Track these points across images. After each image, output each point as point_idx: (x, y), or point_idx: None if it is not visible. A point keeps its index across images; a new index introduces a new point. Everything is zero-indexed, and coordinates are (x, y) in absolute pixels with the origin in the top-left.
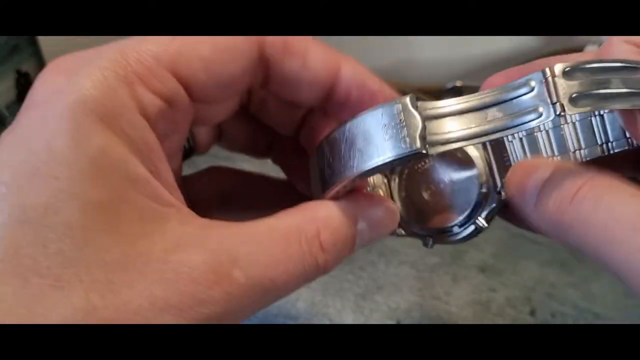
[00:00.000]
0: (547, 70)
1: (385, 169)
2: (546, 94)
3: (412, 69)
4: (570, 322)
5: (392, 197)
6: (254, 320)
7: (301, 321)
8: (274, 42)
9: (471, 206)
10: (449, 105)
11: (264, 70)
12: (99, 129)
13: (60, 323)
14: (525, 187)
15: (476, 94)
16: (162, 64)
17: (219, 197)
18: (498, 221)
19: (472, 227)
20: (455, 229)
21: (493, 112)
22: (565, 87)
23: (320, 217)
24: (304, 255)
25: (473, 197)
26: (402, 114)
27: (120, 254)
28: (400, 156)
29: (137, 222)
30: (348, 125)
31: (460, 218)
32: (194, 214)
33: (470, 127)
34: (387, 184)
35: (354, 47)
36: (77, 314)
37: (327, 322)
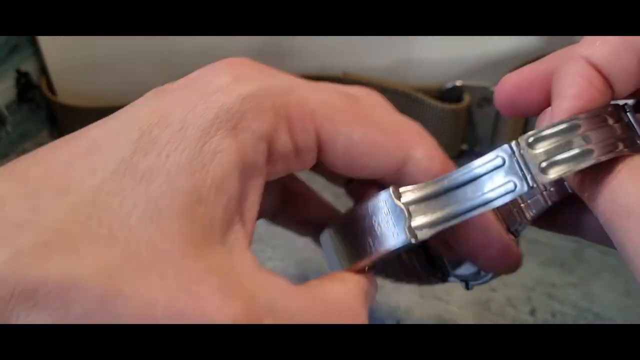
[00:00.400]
0: (514, 144)
1: (384, 257)
2: (517, 167)
3: (412, 68)
4: (570, 321)
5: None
6: None
7: None
8: (419, 162)
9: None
10: (429, 187)
11: (400, 175)
12: (226, 136)
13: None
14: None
15: (452, 173)
16: (315, 120)
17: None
18: None
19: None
20: (483, 273)
21: (472, 189)
22: (533, 158)
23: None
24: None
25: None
26: (386, 206)
27: (171, 248)
28: (392, 248)
29: (198, 228)
30: (356, 211)
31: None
32: (247, 245)
33: (453, 206)
34: None
35: (354, 47)
36: (96, 268)
37: None
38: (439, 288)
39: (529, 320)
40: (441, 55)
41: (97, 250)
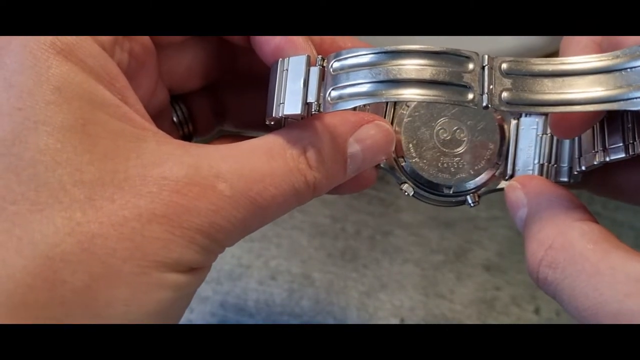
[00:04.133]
0: (486, 58)
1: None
2: (483, 82)
3: None
4: (574, 320)
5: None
6: (258, 319)
7: (305, 319)
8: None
9: (472, 178)
10: (368, 54)
11: None
12: (57, 60)
13: (42, 242)
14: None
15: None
16: None
17: None
18: (503, 219)
19: (459, 199)
20: (445, 190)
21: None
22: (499, 82)
23: (306, 136)
24: (291, 170)
25: (480, 171)
26: (304, 70)
27: (97, 172)
28: (292, 115)
29: (110, 141)
30: (277, 65)
31: (456, 183)
32: (169, 136)
33: (380, 82)
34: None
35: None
36: (59, 232)
37: (331, 321)
38: (443, 286)
39: (534, 319)
40: None
41: (41, 225)
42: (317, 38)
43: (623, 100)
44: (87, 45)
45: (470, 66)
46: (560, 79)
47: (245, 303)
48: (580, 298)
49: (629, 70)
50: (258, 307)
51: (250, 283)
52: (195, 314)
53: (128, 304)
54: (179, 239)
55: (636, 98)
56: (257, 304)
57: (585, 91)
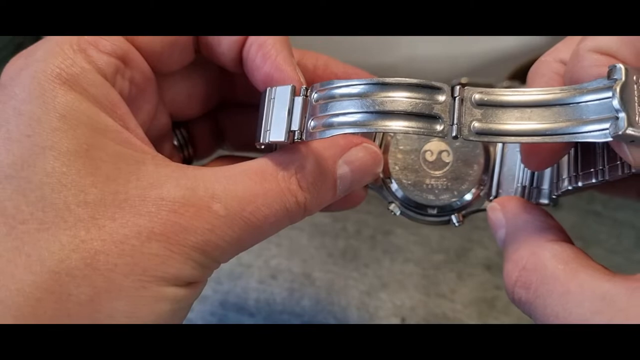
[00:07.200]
0: (457, 89)
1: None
2: (453, 113)
3: (416, 66)
4: None
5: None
6: (259, 318)
7: (306, 319)
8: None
9: (456, 198)
10: (343, 86)
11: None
12: (63, 90)
13: (49, 258)
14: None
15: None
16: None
17: None
18: None
19: (444, 219)
20: (429, 210)
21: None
22: (469, 113)
23: (297, 158)
24: (283, 191)
25: (464, 192)
26: (288, 100)
27: (99, 193)
28: (278, 142)
29: (112, 165)
30: (265, 93)
31: (440, 204)
32: (168, 159)
33: (355, 113)
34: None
35: (356, 44)
36: (65, 249)
37: (332, 320)
38: (444, 286)
39: None
40: (446, 53)
41: (48, 243)
42: (310, 64)
43: (585, 132)
44: (90, 75)
45: (441, 97)
46: (528, 110)
47: (245, 302)
48: (551, 318)
49: (595, 102)
50: (258, 306)
51: (251, 282)
52: (195, 314)
53: (129, 315)
54: (177, 255)
55: (596, 130)
56: (257, 303)
57: (549, 122)
